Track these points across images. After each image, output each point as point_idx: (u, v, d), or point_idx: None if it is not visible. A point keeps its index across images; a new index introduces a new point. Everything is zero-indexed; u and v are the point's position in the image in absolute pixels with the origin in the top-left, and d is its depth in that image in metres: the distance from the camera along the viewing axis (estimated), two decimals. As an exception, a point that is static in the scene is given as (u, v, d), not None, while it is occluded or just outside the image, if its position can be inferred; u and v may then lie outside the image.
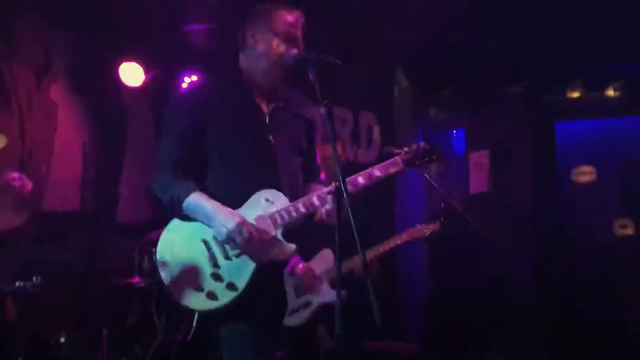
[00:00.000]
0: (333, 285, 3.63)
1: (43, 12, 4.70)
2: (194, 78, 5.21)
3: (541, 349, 4.44)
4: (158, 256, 2.29)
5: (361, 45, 5.09)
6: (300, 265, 2.95)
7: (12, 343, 3.12)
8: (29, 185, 3.93)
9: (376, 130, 5.32)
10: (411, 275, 5.00)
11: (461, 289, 4.64)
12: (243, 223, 2.18)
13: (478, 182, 4.97)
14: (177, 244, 2.29)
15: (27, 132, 4.53)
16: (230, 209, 2.24)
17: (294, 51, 2.40)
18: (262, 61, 2.41)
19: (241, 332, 2.21)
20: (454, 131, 5.60)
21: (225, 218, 2.19)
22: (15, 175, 3.88)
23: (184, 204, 2.26)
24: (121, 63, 4.95)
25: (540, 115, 5.00)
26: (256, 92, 2.44)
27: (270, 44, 2.40)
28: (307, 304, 3.57)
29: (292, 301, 3.21)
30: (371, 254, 3.53)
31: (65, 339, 3.39)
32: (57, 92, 4.84)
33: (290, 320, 2.96)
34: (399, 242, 3.72)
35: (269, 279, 2.31)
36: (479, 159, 5.02)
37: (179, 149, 2.34)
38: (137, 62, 4.98)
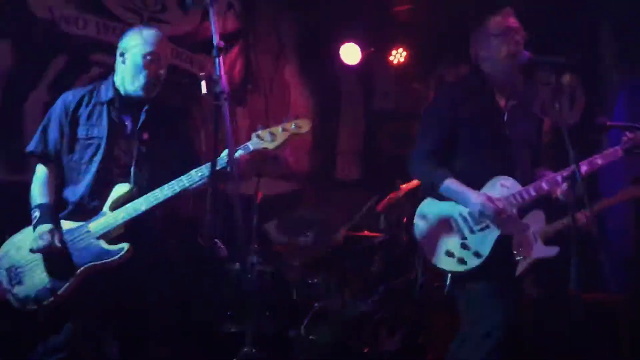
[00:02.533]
0: (545, 242, 4.07)
1: (276, 6, 5.53)
2: (402, 53, 5.80)
3: None
4: (416, 225, 2.89)
5: (565, 3, 5.17)
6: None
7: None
8: (286, 156, 4.88)
9: (579, 91, 5.46)
10: (617, 232, 5.18)
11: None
12: (490, 199, 2.72)
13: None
14: (431, 218, 2.87)
15: (270, 110, 5.49)
16: (478, 191, 2.77)
17: (527, 54, 2.82)
18: (497, 63, 2.86)
19: (484, 289, 2.74)
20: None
21: (476, 197, 2.74)
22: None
23: (441, 187, 2.81)
24: (340, 44, 5.67)
25: None
26: (496, 91, 2.92)
27: (496, 47, 2.85)
28: (521, 259, 4.07)
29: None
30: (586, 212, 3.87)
31: (318, 280, 4.26)
32: (289, 73, 5.73)
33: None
34: (612, 201, 4.00)
35: (503, 247, 2.85)
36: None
37: (435, 141, 2.89)
38: (354, 42, 5.65)
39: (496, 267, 2.78)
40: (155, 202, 2.53)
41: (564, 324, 3.53)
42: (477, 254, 2.76)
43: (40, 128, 2.71)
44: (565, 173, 2.73)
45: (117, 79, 2.70)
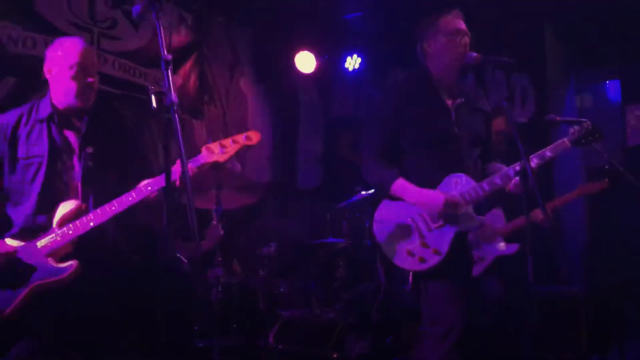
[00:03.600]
0: (505, 240, 4.16)
1: (229, 17, 5.53)
2: (357, 60, 5.88)
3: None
4: (376, 228, 2.92)
5: (509, 6, 5.32)
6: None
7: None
8: (238, 167, 4.86)
9: (529, 91, 5.64)
10: (570, 225, 5.34)
11: (618, 238, 4.89)
12: (448, 200, 2.77)
13: (637, 134, 5.12)
14: (389, 220, 2.90)
15: (227, 120, 5.47)
16: (434, 190, 2.81)
17: (474, 54, 2.88)
18: (443, 60, 2.93)
19: (444, 288, 2.79)
20: (607, 83, 5.71)
21: (433, 197, 2.79)
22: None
23: (392, 189, 2.86)
24: (295, 53, 5.70)
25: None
26: (441, 90, 2.97)
27: (443, 44, 2.91)
28: (482, 258, 4.16)
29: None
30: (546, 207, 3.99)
31: (284, 289, 4.25)
32: (245, 83, 5.73)
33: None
34: (570, 197, 4.12)
35: (461, 244, 2.90)
36: (637, 111, 5.16)
37: (382, 141, 2.93)
38: (309, 51, 5.70)
39: (455, 264, 2.83)
40: (104, 218, 2.51)
41: (526, 319, 3.60)
42: (436, 252, 2.81)
43: None
44: (517, 167, 2.79)
45: (52, 94, 2.66)
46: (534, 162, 2.87)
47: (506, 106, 2.79)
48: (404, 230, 2.88)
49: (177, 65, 5.02)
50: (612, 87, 5.66)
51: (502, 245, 4.05)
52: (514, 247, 4.04)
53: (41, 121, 2.63)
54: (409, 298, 3.36)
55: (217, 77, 5.42)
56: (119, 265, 2.68)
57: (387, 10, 5.43)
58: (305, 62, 5.75)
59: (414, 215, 2.88)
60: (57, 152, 2.60)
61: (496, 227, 4.05)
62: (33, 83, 3.80)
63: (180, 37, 5.02)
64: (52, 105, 2.64)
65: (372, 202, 3.03)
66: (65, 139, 2.64)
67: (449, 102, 2.97)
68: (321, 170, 6.48)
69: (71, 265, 2.48)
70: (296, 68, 5.82)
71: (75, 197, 2.57)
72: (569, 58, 5.75)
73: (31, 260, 2.50)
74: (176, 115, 1.93)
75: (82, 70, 2.59)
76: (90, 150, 2.62)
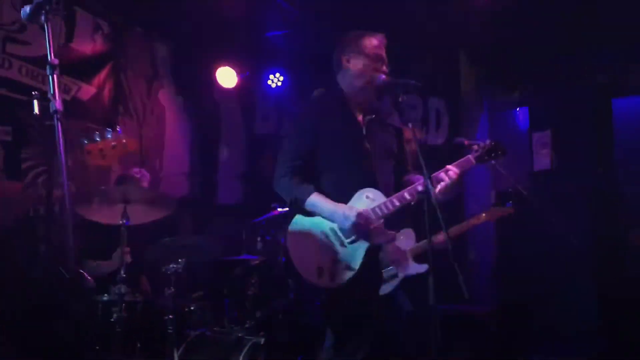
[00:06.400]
0: (415, 259, 4.23)
1: (148, 29, 5.40)
2: (279, 77, 5.89)
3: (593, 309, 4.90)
4: (289, 244, 2.89)
5: (425, 33, 5.48)
6: (390, 246, 3.53)
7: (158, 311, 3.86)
8: (148, 176, 4.64)
9: (444, 114, 5.83)
10: (480, 247, 5.52)
11: (525, 258, 5.10)
12: (361, 213, 2.78)
13: (541, 159, 5.39)
14: (302, 235, 2.88)
15: (144, 133, 5.32)
16: (346, 205, 2.83)
17: (383, 77, 2.94)
18: (357, 80, 2.98)
19: (355, 303, 2.78)
20: (517, 109, 5.99)
21: (346, 212, 2.79)
22: (136, 169, 4.59)
23: (306, 203, 2.85)
24: (216, 68, 5.64)
25: (598, 92, 5.26)
26: (353, 107, 3.02)
27: (362, 66, 2.97)
28: (394, 276, 4.21)
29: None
30: (455, 231, 4.06)
31: (195, 307, 4.12)
32: (164, 97, 5.60)
33: (382, 290, 3.37)
34: (479, 221, 4.22)
35: (373, 260, 2.92)
36: (542, 138, 5.43)
37: (296, 159, 2.93)
38: (229, 67, 5.65)
39: (366, 280, 2.84)
40: None
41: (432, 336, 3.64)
42: (348, 267, 2.81)
43: None
44: (420, 187, 2.84)
45: None
46: (441, 176, 2.90)
47: (412, 127, 2.84)
48: (316, 246, 2.86)
49: (91, 73, 4.85)
50: (522, 114, 5.94)
51: (411, 264, 4.13)
52: (424, 267, 4.11)
53: None
54: (318, 316, 3.33)
55: (133, 89, 5.27)
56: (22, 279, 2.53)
57: (309, 30, 5.47)
58: (226, 77, 5.70)
59: (327, 230, 2.87)
60: None
61: (407, 246, 4.12)
62: None
63: (96, 45, 4.85)
64: None
65: (288, 218, 3.00)
66: None
67: (360, 118, 3.01)
68: (243, 187, 6.40)
69: None
70: (217, 83, 5.75)
71: None
72: (482, 84, 5.99)
73: None
74: (60, 124, 1.83)
75: None
76: None
